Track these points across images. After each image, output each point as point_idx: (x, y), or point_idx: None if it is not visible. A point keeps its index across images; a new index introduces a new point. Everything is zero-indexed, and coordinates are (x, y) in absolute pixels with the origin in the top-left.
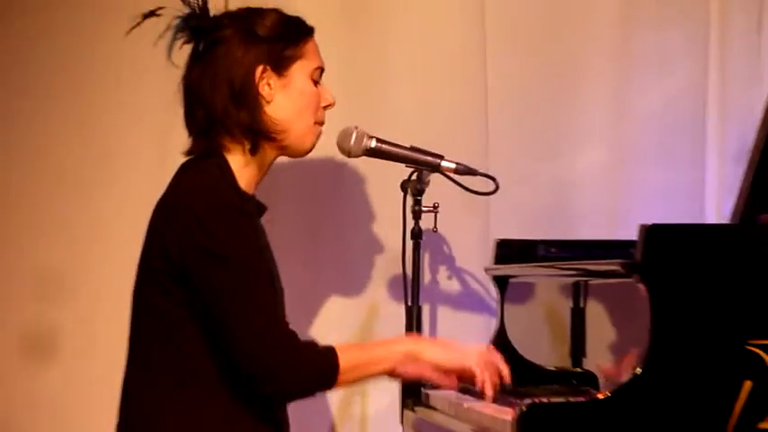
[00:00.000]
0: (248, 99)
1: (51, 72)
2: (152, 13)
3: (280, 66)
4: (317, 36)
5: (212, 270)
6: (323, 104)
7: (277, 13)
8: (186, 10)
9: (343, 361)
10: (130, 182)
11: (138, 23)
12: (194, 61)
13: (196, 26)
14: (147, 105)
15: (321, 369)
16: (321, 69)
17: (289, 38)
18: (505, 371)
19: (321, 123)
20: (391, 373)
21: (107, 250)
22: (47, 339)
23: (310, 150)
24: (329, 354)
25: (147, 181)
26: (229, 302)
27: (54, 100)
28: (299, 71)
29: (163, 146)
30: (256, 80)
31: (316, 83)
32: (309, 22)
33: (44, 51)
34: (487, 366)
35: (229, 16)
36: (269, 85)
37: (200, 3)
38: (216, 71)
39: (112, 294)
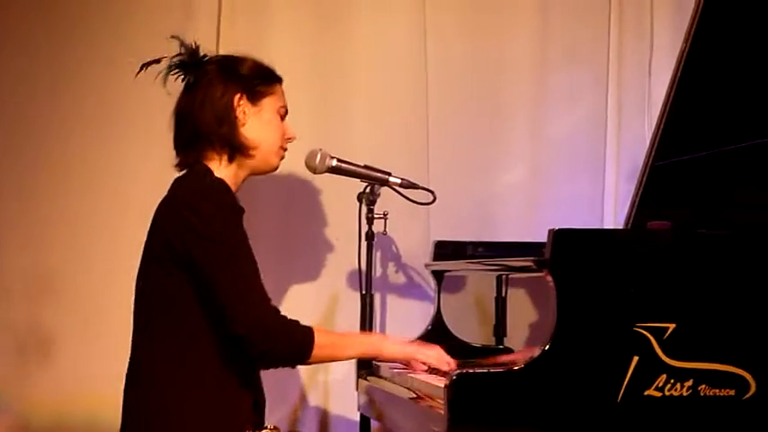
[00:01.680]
0: (228, 119)
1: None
2: (156, 61)
3: (254, 97)
4: (290, 81)
5: (209, 251)
6: (287, 135)
7: (254, 60)
8: (182, 51)
9: (319, 338)
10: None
11: (144, 68)
12: (185, 92)
13: (188, 63)
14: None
15: (302, 338)
16: (286, 110)
17: (262, 78)
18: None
19: (284, 149)
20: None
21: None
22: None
23: (276, 168)
24: (308, 329)
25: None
26: (225, 277)
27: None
28: (269, 105)
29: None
30: (234, 105)
31: (282, 118)
32: (282, 70)
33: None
34: (430, 357)
35: (215, 59)
36: (244, 112)
37: (194, 46)
38: (202, 97)
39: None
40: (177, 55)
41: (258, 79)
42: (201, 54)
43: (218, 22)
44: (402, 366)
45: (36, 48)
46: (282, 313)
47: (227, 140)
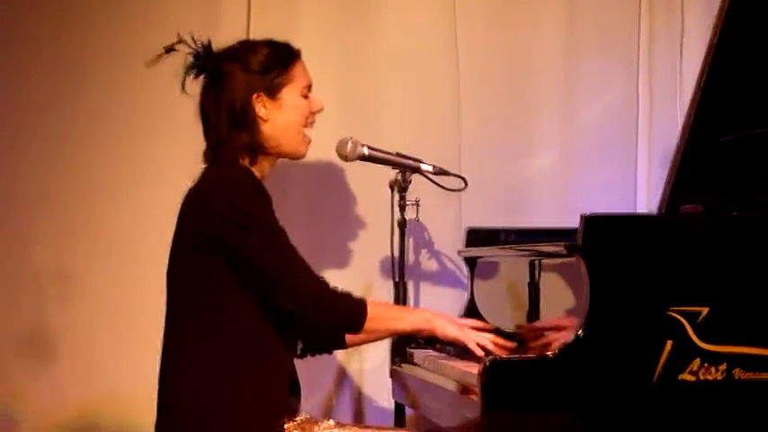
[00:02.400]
0: (247, 121)
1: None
2: (171, 49)
3: (272, 91)
4: (321, 69)
5: (248, 237)
6: (313, 110)
7: (267, 45)
8: (195, 49)
9: (372, 309)
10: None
11: (159, 57)
12: (205, 92)
13: (202, 65)
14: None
15: (354, 308)
16: (309, 86)
17: (278, 67)
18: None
19: (311, 126)
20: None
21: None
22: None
23: (304, 155)
24: (361, 300)
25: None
26: (269, 258)
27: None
28: (290, 92)
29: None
30: (253, 105)
31: (306, 96)
32: (312, 58)
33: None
34: (485, 340)
35: (227, 55)
36: (264, 107)
37: (205, 45)
38: (219, 101)
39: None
40: (192, 53)
41: (274, 71)
42: (213, 51)
43: (249, 13)
44: (437, 353)
45: (59, 46)
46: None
47: (248, 146)
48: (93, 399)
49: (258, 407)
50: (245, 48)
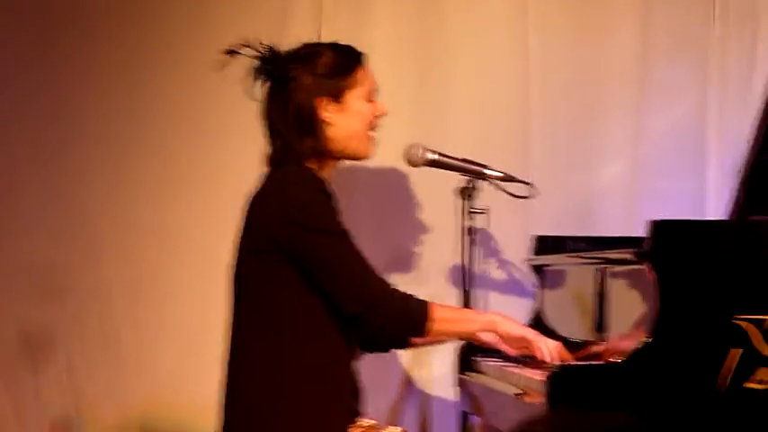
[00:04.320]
0: (313, 126)
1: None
2: (234, 51)
3: (336, 95)
4: (390, 73)
5: (316, 242)
6: (377, 115)
7: (332, 49)
8: (261, 54)
9: (436, 312)
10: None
11: (223, 60)
12: (270, 97)
13: (269, 70)
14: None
15: (419, 311)
16: (375, 87)
17: (343, 71)
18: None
19: (375, 130)
20: (471, 337)
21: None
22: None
23: (369, 155)
24: (425, 303)
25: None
26: (336, 262)
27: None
28: (354, 97)
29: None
30: (318, 111)
31: (370, 101)
32: (382, 62)
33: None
34: (550, 345)
35: (293, 58)
36: (329, 112)
37: (270, 50)
38: (286, 107)
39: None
40: (258, 57)
41: (338, 75)
42: (279, 54)
43: (320, 17)
44: (503, 362)
45: (125, 48)
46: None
47: (313, 150)
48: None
49: (323, 410)
50: (311, 51)
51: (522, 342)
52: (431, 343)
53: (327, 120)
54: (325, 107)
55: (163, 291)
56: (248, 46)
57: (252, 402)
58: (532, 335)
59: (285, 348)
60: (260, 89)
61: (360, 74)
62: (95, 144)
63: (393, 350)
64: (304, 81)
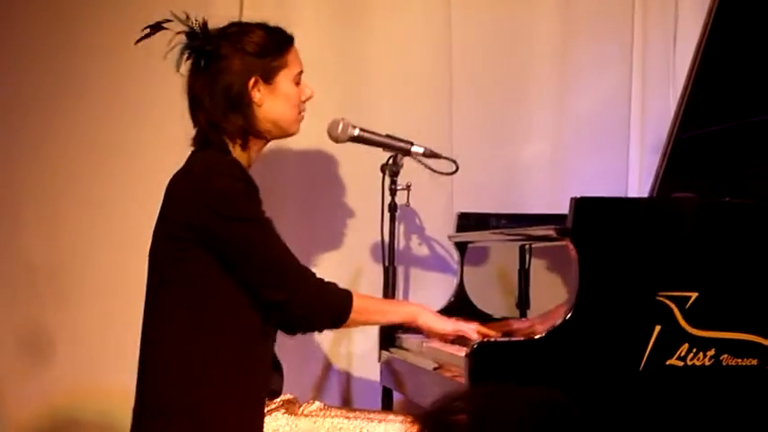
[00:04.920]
0: (242, 105)
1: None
2: (159, 25)
3: (268, 76)
4: (312, 50)
5: (235, 229)
6: (303, 98)
7: (262, 28)
8: (190, 28)
9: (357, 303)
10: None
11: (148, 35)
12: (196, 74)
13: (198, 46)
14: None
15: (341, 300)
16: (301, 72)
17: (274, 50)
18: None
19: (302, 113)
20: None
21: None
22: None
23: (296, 133)
24: (347, 292)
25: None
26: (257, 250)
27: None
28: (284, 78)
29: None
30: (249, 89)
31: (297, 83)
32: (305, 40)
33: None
34: (472, 332)
35: (223, 35)
36: (259, 91)
37: (201, 24)
38: (215, 84)
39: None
40: (186, 32)
41: (270, 54)
42: (208, 30)
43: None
44: (425, 337)
45: (43, 29)
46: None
47: (242, 129)
48: (84, 395)
49: (239, 388)
50: (241, 30)
51: (444, 337)
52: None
53: (257, 101)
54: (256, 87)
55: (83, 274)
56: (177, 19)
57: (164, 379)
58: (452, 327)
59: (199, 328)
60: (184, 64)
61: (290, 55)
62: (17, 131)
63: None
64: (235, 59)
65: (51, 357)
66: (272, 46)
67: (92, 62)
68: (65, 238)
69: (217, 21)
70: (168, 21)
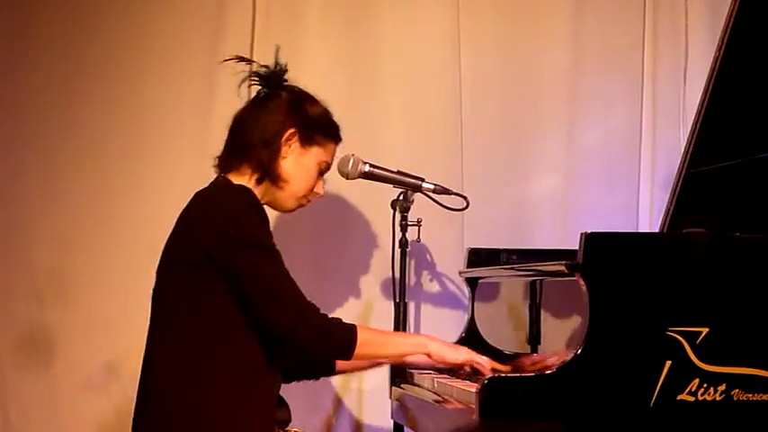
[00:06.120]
0: (271, 146)
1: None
2: (248, 60)
3: (306, 140)
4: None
5: (246, 255)
6: (315, 191)
7: (327, 110)
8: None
9: (362, 335)
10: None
11: (231, 60)
12: (251, 103)
13: (269, 79)
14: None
15: (344, 334)
16: (328, 167)
17: (322, 129)
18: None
19: (307, 201)
20: (401, 361)
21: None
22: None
23: (289, 211)
24: (351, 326)
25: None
26: (264, 279)
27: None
28: (314, 155)
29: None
30: (284, 136)
31: (320, 173)
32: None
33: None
34: (483, 362)
35: (293, 88)
36: (290, 146)
37: (283, 69)
38: (261, 116)
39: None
40: (267, 69)
41: (318, 127)
42: (285, 78)
43: (253, 26)
44: (436, 373)
45: (63, 46)
46: (322, 312)
47: (262, 163)
48: (84, 395)
49: (243, 421)
50: (310, 96)
51: (456, 366)
52: (361, 368)
53: (283, 153)
54: (290, 140)
55: (83, 275)
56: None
57: (166, 414)
58: (464, 357)
59: (205, 357)
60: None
61: (330, 145)
62: (21, 132)
63: (321, 377)
64: (288, 107)
65: (51, 357)
66: (324, 124)
67: (100, 68)
68: (65, 239)
69: (227, 28)
70: (251, 62)
